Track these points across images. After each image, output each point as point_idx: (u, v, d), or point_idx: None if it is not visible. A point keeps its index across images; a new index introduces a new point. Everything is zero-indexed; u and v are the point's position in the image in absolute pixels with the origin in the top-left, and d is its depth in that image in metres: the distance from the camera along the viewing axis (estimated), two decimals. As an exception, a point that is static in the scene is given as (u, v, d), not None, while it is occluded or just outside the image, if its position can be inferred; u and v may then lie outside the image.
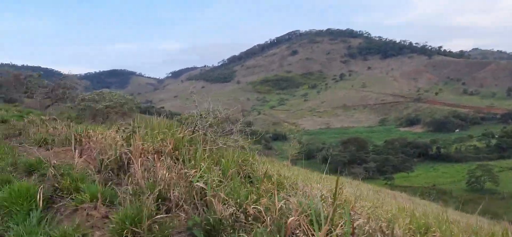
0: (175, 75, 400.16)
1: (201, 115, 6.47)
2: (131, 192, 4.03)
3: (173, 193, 3.93)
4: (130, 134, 6.25)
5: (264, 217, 3.45)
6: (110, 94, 21.58)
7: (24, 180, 6.05)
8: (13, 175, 6.07)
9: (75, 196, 4.47)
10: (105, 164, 5.44)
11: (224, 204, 3.66)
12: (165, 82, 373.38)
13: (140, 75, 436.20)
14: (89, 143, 7.30)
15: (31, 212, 4.46)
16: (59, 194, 4.86)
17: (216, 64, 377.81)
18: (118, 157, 5.61)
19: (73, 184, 4.85)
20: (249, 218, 3.55)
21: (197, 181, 4.00)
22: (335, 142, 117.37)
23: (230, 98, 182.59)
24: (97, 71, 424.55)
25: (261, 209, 3.51)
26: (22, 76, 31.06)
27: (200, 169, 4.27)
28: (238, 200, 3.71)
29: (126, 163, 5.47)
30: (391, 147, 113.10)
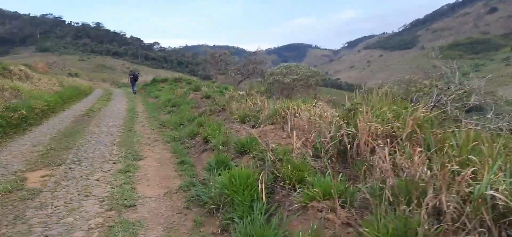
0: (351, 45, 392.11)
1: (447, 86, 5.00)
2: (390, 198, 2.94)
3: (446, 203, 2.70)
4: (348, 112, 5.25)
5: None
6: (297, 67, 21.42)
7: (237, 161, 5.74)
8: (225, 155, 5.83)
9: (302, 191, 3.68)
10: (326, 148, 4.56)
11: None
12: (340, 53, 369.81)
13: (316, 47, 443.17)
14: (294, 120, 6.67)
15: (253, 204, 3.90)
16: (280, 184, 4.20)
17: (396, 30, 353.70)
18: (337, 141, 4.67)
19: (295, 173, 4.11)
20: None
21: (486, 189, 2.65)
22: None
23: (412, 66, 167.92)
24: (276, 46, 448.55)
25: None
26: (217, 54, 33.97)
27: (486, 169, 2.90)
28: None
29: (349, 148, 4.48)
30: None
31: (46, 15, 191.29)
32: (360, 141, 4.41)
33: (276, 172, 4.33)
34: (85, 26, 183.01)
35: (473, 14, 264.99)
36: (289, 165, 4.21)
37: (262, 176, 4.08)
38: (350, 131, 4.66)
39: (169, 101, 16.49)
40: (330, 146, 4.62)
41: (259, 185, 4.00)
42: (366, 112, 4.99)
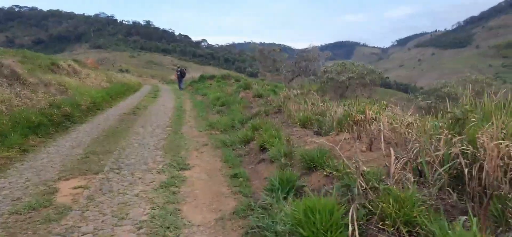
0: (401, 43, 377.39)
1: None
2: None
3: None
4: (455, 123, 3.95)
5: None
6: (352, 65, 19.97)
7: (304, 179, 4.61)
8: (291, 172, 4.70)
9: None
10: (437, 173, 3.30)
11: None
12: (389, 51, 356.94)
13: (364, 45, 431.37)
14: (370, 128, 5.43)
15: (341, 253, 2.75)
16: (376, 225, 3.00)
17: (449, 28, 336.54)
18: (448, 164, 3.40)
19: (401, 210, 2.91)
20: None
21: None
22: None
23: (466, 66, 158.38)
24: (323, 44, 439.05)
25: None
26: (265, 52, 32.97)
27: None
28: None
29: (466, 173, 3.20)
30: None
31: (99, 14, 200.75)
32: (487, 165, 3.13)
33: (370, 206, 3.14)
34: (135, 24, 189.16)
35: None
36: (390, 198, 3.02)
37: (352, 212, 2.93)
38: (467, 149, 3.38)
39: (218, 100, 15.62)
40: (441, 170, 3.36)
41: (349, 226, 2.84)
42: (482, 120, 3.71)
